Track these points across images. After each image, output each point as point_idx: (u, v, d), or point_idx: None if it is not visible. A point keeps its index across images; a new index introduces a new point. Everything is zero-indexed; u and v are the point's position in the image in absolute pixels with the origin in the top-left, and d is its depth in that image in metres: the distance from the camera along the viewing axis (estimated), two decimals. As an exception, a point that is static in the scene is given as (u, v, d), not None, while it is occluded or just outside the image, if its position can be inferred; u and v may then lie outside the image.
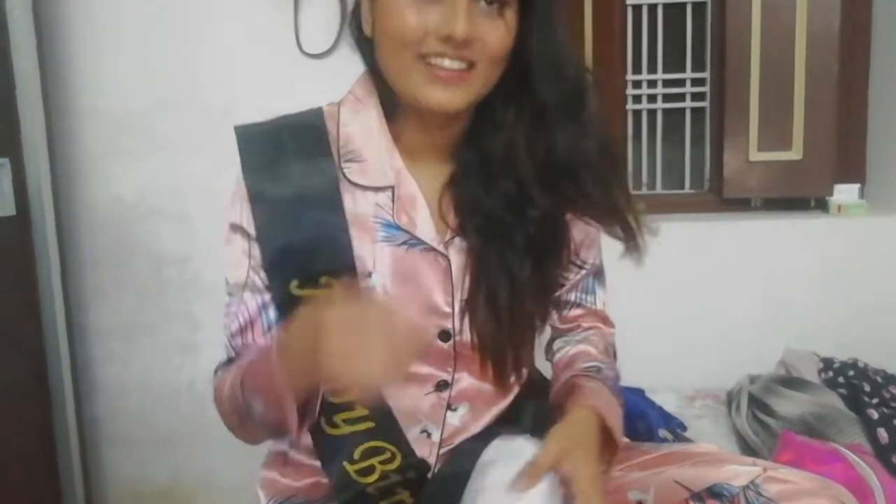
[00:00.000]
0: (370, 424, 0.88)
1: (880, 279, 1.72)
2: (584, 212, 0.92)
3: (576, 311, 1.03)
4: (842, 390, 1.40)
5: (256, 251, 0.86)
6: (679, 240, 1.75)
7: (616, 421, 0.88)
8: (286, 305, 0.85)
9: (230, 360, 0.90)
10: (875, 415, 1.29)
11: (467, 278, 0.88)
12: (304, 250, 0.85)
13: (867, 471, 1.03)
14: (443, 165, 0.91)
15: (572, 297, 1.01)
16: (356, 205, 0.86)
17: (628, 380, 1.04)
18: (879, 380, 1.41)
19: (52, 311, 1.56)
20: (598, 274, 1.02)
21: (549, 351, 1.07)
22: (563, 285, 0.99)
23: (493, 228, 0.88)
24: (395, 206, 0.87)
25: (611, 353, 1.03)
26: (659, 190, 2.04)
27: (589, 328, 1.04)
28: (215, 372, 0.92)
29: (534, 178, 0.86)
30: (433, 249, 0.87)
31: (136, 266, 1.72)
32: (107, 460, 1.78)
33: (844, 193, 1.84)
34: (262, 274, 0.87)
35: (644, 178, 2.04)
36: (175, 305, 1.73)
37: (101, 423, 1.76)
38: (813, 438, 1.18)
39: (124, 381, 1.75)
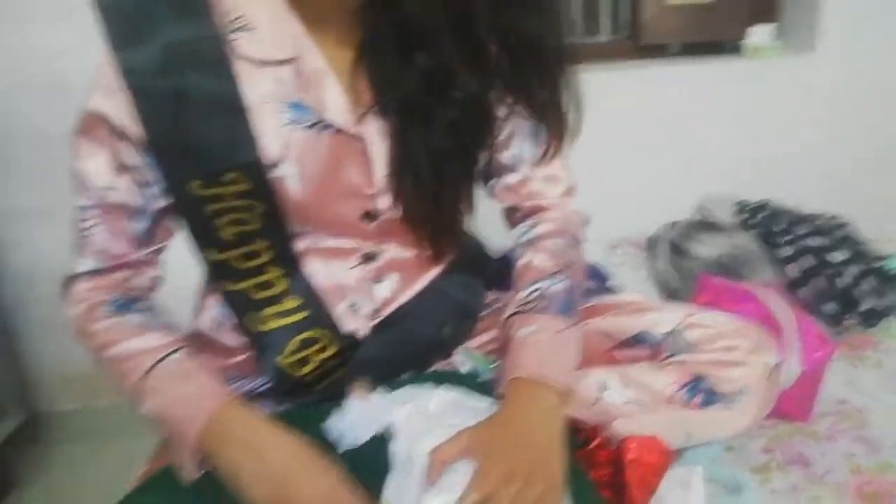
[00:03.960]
0: (302, 315, 0.85)
1: (796, 120, 1.76)
2: (517, 101, 0.83)
3: (514, 177, 0.96)
4: (755, 231, 1.46)
5: (126, 148, 0.76)
6: (598, 89, 1.71)
7: (551, 367, 0.80)
8: (190, 208, 0.78)
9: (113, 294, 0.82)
10: (786, 252, 1.35)
11: (386, 157, 0.82)
12: (199, 144, 0.75)
13: (778, 305, 1.08)
14: (351, 32, 0.80)
15: (505, 158, 0.94)
16: (253, 84, 0.76)
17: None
18: (790, 218, 1.46)
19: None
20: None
21: (511, 226, 1.01)
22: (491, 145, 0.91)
23: (412, 110, 0.79)
24: (299, 81, 0.77)
25: (567, 235, 0.94)
26: (577, 37, 1.98)
27: (532, 209, 0.96)
28: (70, 283, 0.83)
29: (457, 51, 0.76)
30: (346, 131, 0.79)
31: (16, 146, 1.57)
32: (29, 347, 1.71)
33: (759, 35, 1.83)
34: (146, 173, 0.77)
35: (562, 26, 1.96)
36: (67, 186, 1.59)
37: (15, 310, 1.67)
38: (729, 279, 1.23)
39: (31, 267, 1.65)
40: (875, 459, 1.05)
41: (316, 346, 0.86)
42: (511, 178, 0.96)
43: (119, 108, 0.74)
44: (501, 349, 0.88)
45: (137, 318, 0.80)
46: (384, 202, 0.84)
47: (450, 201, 0.88)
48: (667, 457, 0.87)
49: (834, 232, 1.47)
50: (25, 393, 1.65)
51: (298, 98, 0.77)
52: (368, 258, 0.88)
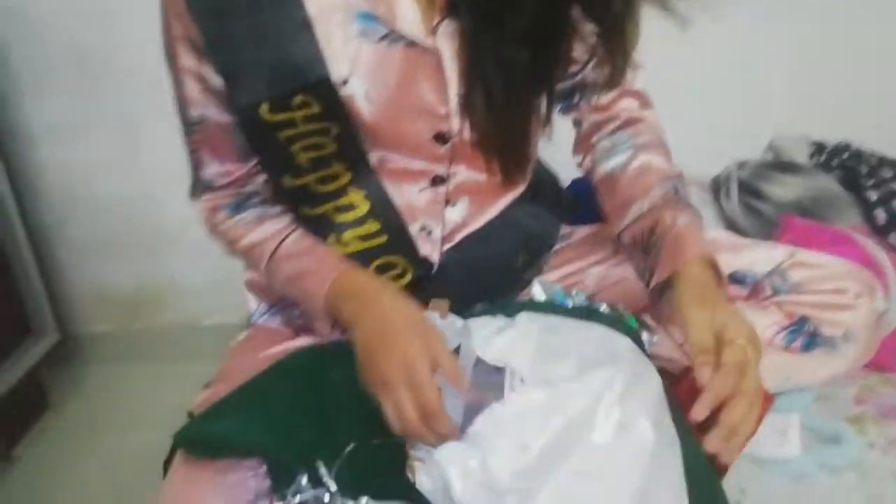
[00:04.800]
0: (382, 239, 0.82)
1: (875, 57, 1.64)
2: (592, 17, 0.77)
3: (608, 96, 0.91)
4: (837, 173, 1.38)
5: (209, 71, 0.75)
6: (662, 26, 1.61)
7: (716, 258, 0.78)
8: (260, 132, 0.76)
9: (232, 199, 0.85)
10: (874, 196, 1.27)
11: (460, 72, 0.76)
12: (262, 64, 0.72)
13: (877, 249, 1.02)
14: None
15: (598, 76, 0.86)
16: None
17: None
18: (875, 162, 1.38)
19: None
20: None
21: (583, 147, 0.96)
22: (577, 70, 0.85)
23: (485, 15, 0.73)
24: None
25: (666, 147, 0.91)
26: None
27: (628, 120, 0.92)
28: (195, 195, 0.86)
29: None
30: (420, 44, 0.74)
31: (59, 62, 1.50)
32: (64, 268, 1.68)
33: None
34: (224, 92, 0.75)
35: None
36: (108, 104, 1.53)
37: (52, 230, 1.64)
38: (813, 220, 1.15)
39: (68, 187, 1.60)
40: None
41: (394, 272, 0.83)
42: (605, 97, 0.91)
43: (193, 30, 0.72)
44: (641, 241, 0.84)
45: (252, 213, 0.83)
46: (457, 123, 0.78)
47: (522, 121, 0.83)
48: (766, 401, 0.82)
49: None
50: (60, 314, 1.62)
51: (367, 8, 0.72)
52: (439, 181, 0.83)
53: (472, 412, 0.68)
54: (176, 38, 0.74)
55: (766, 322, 0.84)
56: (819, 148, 1.47)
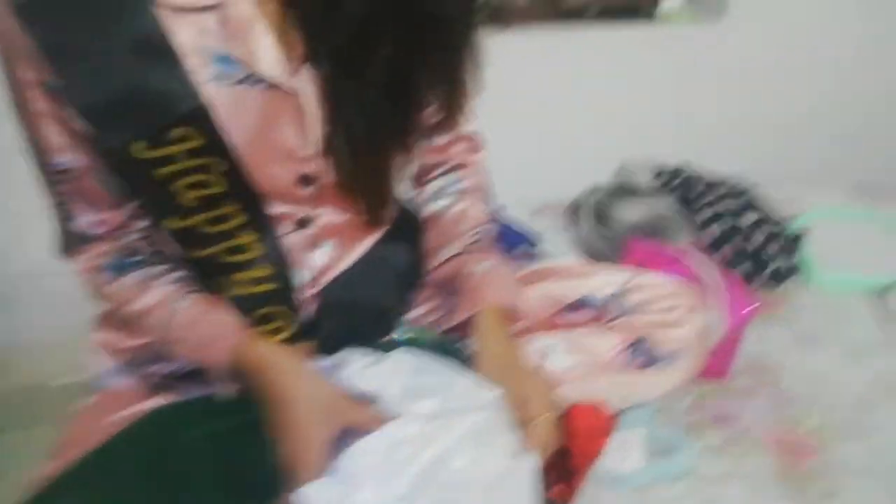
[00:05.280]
0: (271, 286, 0.81)
1: (706, 85, 1.80)
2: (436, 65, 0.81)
3: (444, 138, 0.96)
4: (675, 194, 1.49)
5: (70, 113, 0.69)
6: (517, 53, 1.70)
7: (515, 298, 0.88)
8: (138, 172, 0.71)
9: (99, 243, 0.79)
10: (704, 216, 1.39)
11: (322, 115, 0.76)
12: (131, 99, 0.68)
13: (706, 266, 1.11)
14: None
15: (437, 120, 0.90)
16: (176, 35, 0.68)
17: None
18: (705, 183, 1.50)
19: None
20: None
21: (416, 186, 1.00)
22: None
23: (345, 62, 0.74)
24: (225, 31, 0.69)
25: (486, 192, 0.99)
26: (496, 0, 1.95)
27: (458, 165, 0.98)
28: (67, 249, 0.79)
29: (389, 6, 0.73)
30: (280, 86, 0.73)
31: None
32: None
33: (671, 1, 1.85)
34: (86, 128, 0.69)
35: (482, -14, 1.93)
36: None
37: None
38: (653, 242, 1.25)
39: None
40: (789, 413, 1.10)
41: (273, 325, 0.82)
42: (442, 139, 0.96)
43: (45, 72, 0.66)
44: (446, 286, 0.92)
45: (135, 277, 0.79)
46: (320, 165, 0.79)
47: (385, 164, 0.84)
48: (610, 422, 0.88)
49: (742, 195, 1.52)
50: None
51: (224, 49, 0.70)
52: (304, 223, 0.83)
53: (340, 445, 0.69)
54: (25, 82, 0.68)
55: (610, 344, 0.90)
56: (661, 171, 1.59)
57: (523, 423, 0.76)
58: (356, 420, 0.71)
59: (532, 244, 1.35)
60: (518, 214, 1.58)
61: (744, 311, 1.07)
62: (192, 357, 0.79)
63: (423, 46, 0.76)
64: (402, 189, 0.95)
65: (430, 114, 0.88)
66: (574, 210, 1.56)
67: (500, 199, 1.52)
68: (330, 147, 0.78)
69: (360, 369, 0.77)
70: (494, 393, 0.75)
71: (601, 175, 1.68)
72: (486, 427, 0.71)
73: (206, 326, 0.77)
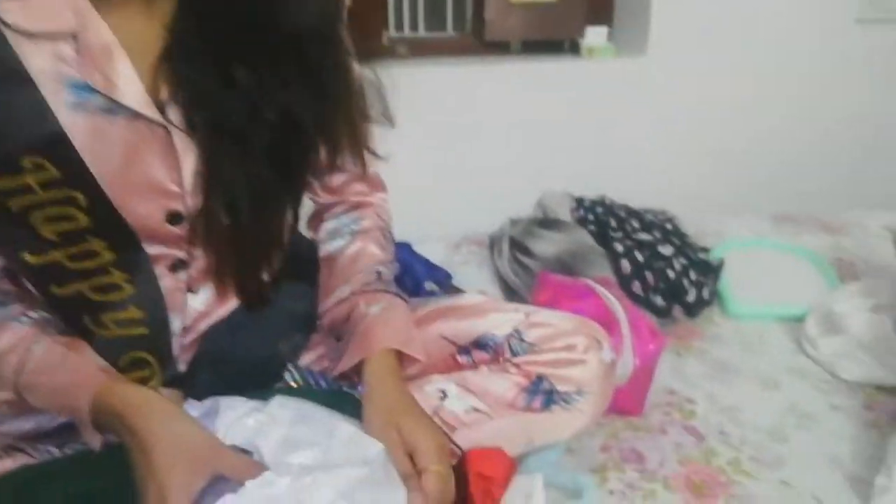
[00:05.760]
0: (143, 330, 0.75)
1: (627, 119, 1.83)
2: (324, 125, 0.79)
3: (339, 178, 0.93)
4: (591, 227, 1.49)
5: None
6: (441, 85, 1.71)
7: (409, 340, 0.84)
8: None
9: None
10: (620, 248, 1.39)
11: (197, 152, 0.72)
12: None
13: (613, 301, 1.10)
14: (151, 29, 0.70)
15: (328, 161, 0.87)
16: (29, 60, 0.64)
17: (395, 234, 0.98)
18: (623, 214, 1.51)
19: None
20: None
21: (313, 225, 0.97)
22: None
23: (224, 127, 0.71)
24: (82, 59, 0.65)
25: (387, 232, 0.95)
26: (421, 32, 1.96)
27: (356, 204, 0.95)
28: None
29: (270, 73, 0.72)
30: (144, 116, 0.69)
31: None
32: None
33: (594, 37, 1.88)
34: None
35: (406, 20, 1.94)
36: None
37: None
38: (567, 275, 1.23)
39: None
40: (701, 448, 1.09)
41: (144, 372, 0.77)
42: (336, 179, 0.93)
43: None
44: (339, 329, 0.88)
45: None
46: (193, 203, 0.74)
47: (269, 225, 0.81)
48: (510, 467, 0.85)
49: (662, 226, 1.53)
50: None
51: (80, 76, 0.66)
52: (179, 266, 0.77)
53: (211, 495, 0.64)
54: None
55: (507, 384, 0.86)
56: (579, 203, 1.59)
57: (409, 476, 0.70)
58: (227, 468, 0.66)
59: (447, 278, 1.33)
60: (437, 248, 1.56)
61: (650, 347, 1.06)
62: (50, 407, 0.73)
63: (288, 69, 0.73)
64: (302, 227, 0.92)
65: (321, 156, 0.84)
66: (494, 243, 1.55)
67: (418, 233, 1.51)
68: (207, 214, 0.74)
69: (236, 418, 0.72)
70: (377, 447, 0.71)
71: (522, 208, 1.68)
72: (364, 482, 0.67)
73: (63, 373, 0.71)
